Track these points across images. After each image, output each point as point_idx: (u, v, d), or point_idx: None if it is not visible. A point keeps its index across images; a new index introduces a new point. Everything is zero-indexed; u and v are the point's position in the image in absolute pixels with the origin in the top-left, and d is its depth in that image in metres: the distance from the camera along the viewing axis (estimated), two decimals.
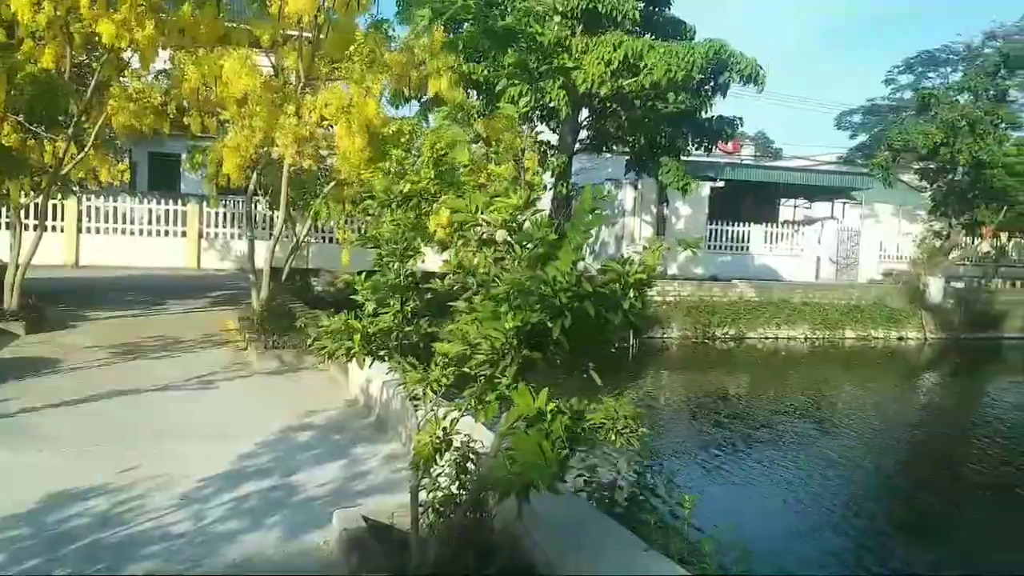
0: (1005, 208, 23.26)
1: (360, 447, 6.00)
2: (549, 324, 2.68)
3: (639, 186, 23.94)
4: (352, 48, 9.88)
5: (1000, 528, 7.70)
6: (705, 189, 23.52)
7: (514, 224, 3.07)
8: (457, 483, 3.55)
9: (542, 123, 18.44)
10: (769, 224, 26.42)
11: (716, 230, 24.97)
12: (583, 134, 19.19)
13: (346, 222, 13.07)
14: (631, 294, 2.88)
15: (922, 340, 22.09)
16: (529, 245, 3.00)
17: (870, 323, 21.71)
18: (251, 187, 11.64)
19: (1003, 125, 23.54)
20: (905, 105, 39.84)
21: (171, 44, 10.30)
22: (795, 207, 31.59)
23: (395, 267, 3.78)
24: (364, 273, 3.79)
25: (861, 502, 8.21)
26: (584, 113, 18.49)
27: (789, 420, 12.14)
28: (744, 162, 31.04)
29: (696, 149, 19.51)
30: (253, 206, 14.73)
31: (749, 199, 26.65)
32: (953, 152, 22.73)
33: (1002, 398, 15.70)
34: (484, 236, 3.34)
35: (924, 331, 22.26)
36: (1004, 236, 26.72)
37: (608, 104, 17.88)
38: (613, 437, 2.82)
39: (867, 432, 11.40)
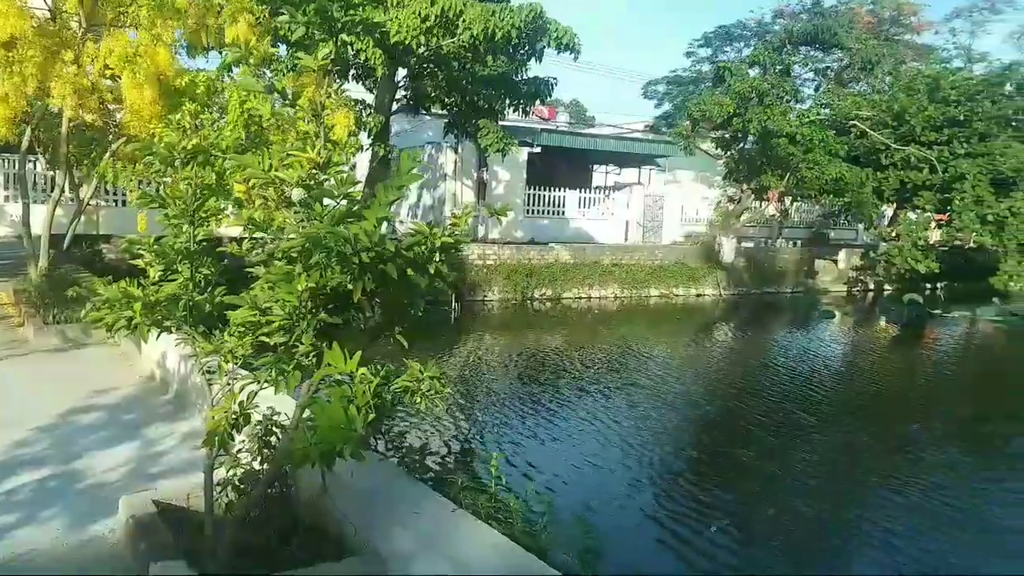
0: (788, 174, 25.65)
1: (156, 426, 5.55)
2: (349, 286, 2.55)
3: (459, 150, 23.95)
4: None
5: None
6: (523, 155, 23.97)
7: (312, 183, 2.89)
8: (259, 458, 3.36)
9: (358, 82, 17.84)
10: (583, 189, 27.51)
11: (534, 195, 25.62)
12: (401, 94, 18.82)
13: (140, 183, 11.97)
14: (437, 257, 2.82)
15: (717, 296, 24.06)
16: (329, 203, 2.85)
17: (672, 282, 23.32)
18: (25, 143, 10.37)
19: (787, 98, 25.77)
20: (704, 77, 42.59)
21: None
22: (607, 173, 33.07)
23: (186, 230, 3.47)
24: (157, 238, 3.46)
25: (652, 448, 8.79)
26: (402, 73, 18.10)
27: (591, 374, 12.77)
28: (560, 129, 31.93)
29: (513, 112, 19.73)
30: (31, 165, 13.14)
31: (564, 165, 27.52)
32: (744, 122, 24.60)
33: (771, 344, 17.54)
34: (283, 196, 3.14)
35: (719, 288, 24.25)
36: (788, 200, 29.50)
37: (426, 64, 17.61)
38: (418, 399, 2.76)
39: (654, 382, 12.24)
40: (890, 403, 12.17)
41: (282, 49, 15.29)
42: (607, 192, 29.10)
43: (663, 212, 28.60)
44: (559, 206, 26.24)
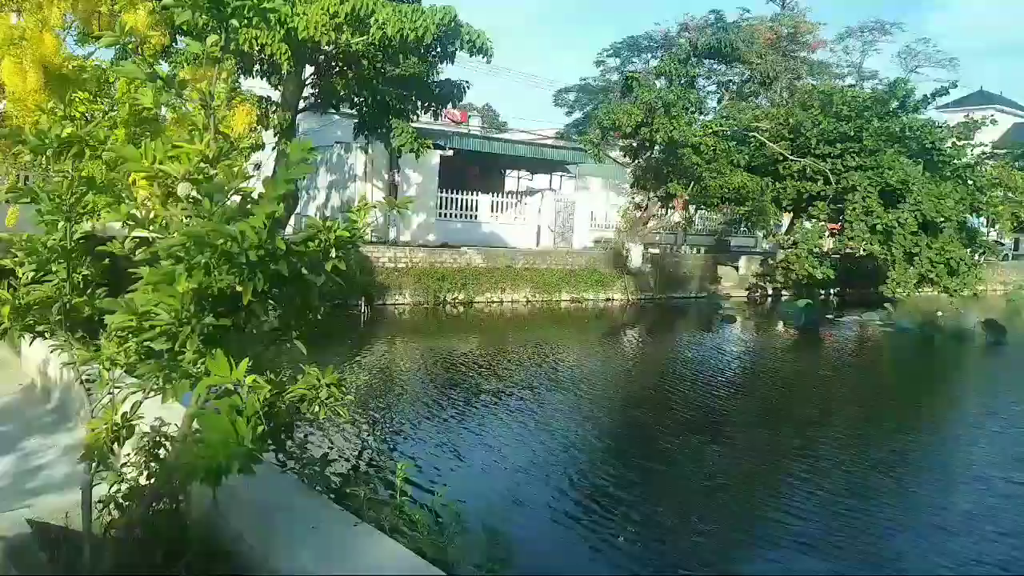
0: (692, 183, 26.41)
1: (35, 439, 5.15)
2: (239, 288, 2.39)
3: (370, 151, 23.59)
4: None
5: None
6: (435, 157, 23.80)
7: (200, 176, 2.70)
8: (146, 473, 3.13)
9: (263, 78, 17.27)
10: (495, 194, 27.57)
11: (446, 198, 25.47)
12: (308, 92, 18.35)
13: (19, 176, 11.19)
14: (334, 255, 2.68)
15: (625, 301, 24.52)
16: (219, 199, 2.67)
17: (582, 286, 23.63)
18: None
19: (692, 109, 26.51)
20: (613, 86, 43.48)
21: None
22: (519, 178, 33.31)
23: (61, 227, 3.20)
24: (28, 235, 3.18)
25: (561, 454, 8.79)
26: (309, 70, 17.65)
27: (501, 380, 12.65)
28: (472, 133, 31.95)
29: (425, 113, 19.60)
30: None
31: (477, 169, 27.53)
32: (651, 131, 25.17)
33: (674, 348, 18.02)
34: (168, 191, 2.93)
35: (627, 293, 24.72)
36: (692, 208, 30.38)
37: (334, 62, 17.24)
38: (316, 408, 2.62)
39: (558, 389, 12.31)
40: (775, 405, 12.60)
41: (180, 42, 14.65)
42: (519, 197, 29.26)
43: (574, 218, 28.99)
44: (472, 210, 26.19)
